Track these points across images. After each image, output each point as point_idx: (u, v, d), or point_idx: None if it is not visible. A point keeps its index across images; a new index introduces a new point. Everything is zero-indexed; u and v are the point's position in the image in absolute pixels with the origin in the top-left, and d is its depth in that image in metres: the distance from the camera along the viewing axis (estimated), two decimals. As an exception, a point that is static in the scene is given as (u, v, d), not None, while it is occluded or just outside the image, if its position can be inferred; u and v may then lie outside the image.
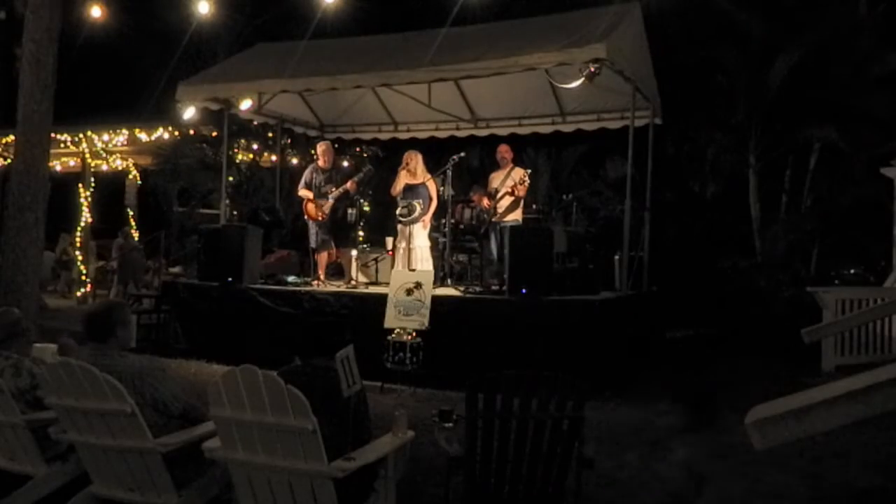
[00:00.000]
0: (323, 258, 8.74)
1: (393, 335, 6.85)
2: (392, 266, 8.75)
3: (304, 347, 3.49)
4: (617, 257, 8.59)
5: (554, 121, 10.65)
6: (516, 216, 8.72)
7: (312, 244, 8.77)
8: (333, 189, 8.54)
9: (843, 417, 2.21)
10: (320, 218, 8.56)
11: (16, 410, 3.67)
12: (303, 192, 8.76)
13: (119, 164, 16.03)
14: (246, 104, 9.59)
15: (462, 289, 8.15)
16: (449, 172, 8.36)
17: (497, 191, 8.73)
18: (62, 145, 14.42)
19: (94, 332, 3.62)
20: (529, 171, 8.78)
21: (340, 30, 12.97)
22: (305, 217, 8.78)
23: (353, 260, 9.18)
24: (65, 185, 15.22)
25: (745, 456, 4.89)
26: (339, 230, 8.70)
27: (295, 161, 14.79)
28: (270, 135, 13.97)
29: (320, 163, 8.81)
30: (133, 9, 15.75)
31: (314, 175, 8.69)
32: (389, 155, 12.32)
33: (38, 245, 8.21)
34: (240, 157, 14.86)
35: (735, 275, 11.52)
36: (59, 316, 11.24)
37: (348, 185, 8.51)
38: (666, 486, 4.44)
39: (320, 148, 8.95)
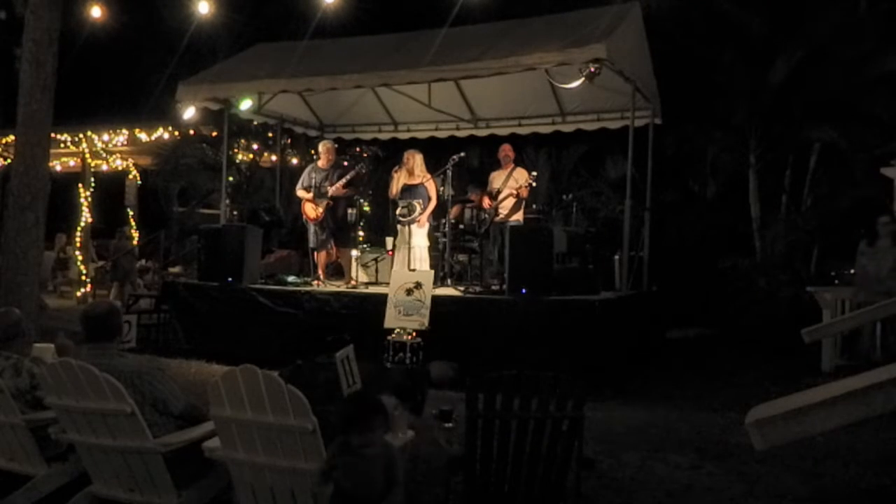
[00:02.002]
0: (322, 258, 8.74)
1: (393, 335, 6.85)
2: (392, 266, 8.75)
3: (303, 347, 3.49)
4: (617, 257, 8.59)
5: (554, 121, 10.66)
6: (518, 217, 8.72)
7: (311, 244, 8.78)
8: (330, 187, 8.52)
9: (843, 417, 2.21)
10: (316, 218, 8.56)
11: (16, 410, 3.67)
12: (300, 193, 8.76)
13: (119, 164, 16.03)
14: (246, 104, 9.59)
15: (462, 289, 8.15)
16: (449, 172, 8.36)
17: (499, 191, 8.73)
18: (62, 145, 14.42)
19: (94, 331, 3.63)
20: (535, 173, 8.79)
21: (340, 30, 12.96)
22: (304, 218, 8.78)
23: (354, 260, 9.18)
24: (65, 185, 15.22)
25: (745, 456, 4.90)
26: (339, 230, 8.70)
27: (295, 161, 14.79)
28: (270, 135, 13.98)
29: (320, 162, 8.80)
30: (133, 9, 15.75)
31: (313, 175, 8.68)
32: (389, 155, 12.32)
33: (38, 245, 8.21)
34: (240, 157, 14.86)
35: (735, 275, 11.50)
36: (59, 316, 11.24)
37: (350, 175, 8.51)
38: (665, 486, 4.44)
39: (323, 147, 8.94)
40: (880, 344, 7.42)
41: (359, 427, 2.73)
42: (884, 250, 7.52)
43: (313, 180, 8.63)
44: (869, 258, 7.62)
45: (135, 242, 14.79)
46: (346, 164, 9.91)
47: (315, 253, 8.76)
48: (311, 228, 8.70)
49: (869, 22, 11.71)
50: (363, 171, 9.23)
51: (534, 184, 8.55)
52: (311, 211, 8.58)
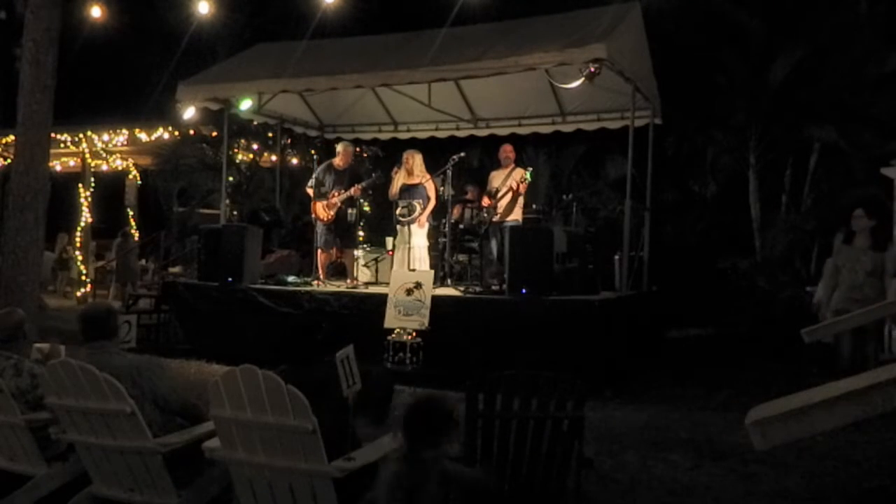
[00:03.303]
0: (324, 258, 8.74)
1: (393, 335, 6.85)
2: (392, 266, 8.75)
3: (292, 348, 3.49)
4: (617, 257, 8.59)
5: (554, 121, 10.65)
6: (516, 216, 8.71)
7: (318, 243, 8.78)
8: (342, 191, 8.52)
9: (843, 417, 2.21)
10: (327, 219, 8.55)
11: (16, 410, 3.67)
12: (311, 192, 8.76)
13: (119, 164, 16.03)
14: (246, 104, 9.59)
15: (462, 289, 8.15)
16: (449, 172, 8.35)
17: (497, 190, 8.73)
18: (62, 145, 14.42)
19: (93, 331, 3.67)
20: (531, 169, 8.78)
21: (340, 30, 12.97)
22: (313, 216, 8.78)
23: (356, 260, 9.18)
24: (65, 185, 15.23)
25: (745, 456, 4.90)
26: (342, 231, 8.70)
27: (295, 161, 14.80)
28: (270, 135, 13.97)
29: (336, 161, 8.77)
30: (133, 9, 15.76)
31: (325, 174, 8.68)
32: (389, 155, 12.32)
33: (38, 245, 8.22)
34: (240, 157, 14.85)
35: (735, 275, 11.52)
36: (59, 316, 11.23)
37: (352, 190, 8.50)
38: (666, 485, 4.44)
39: (342, 147, 8.91)
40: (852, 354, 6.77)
41: (434, 437, 2.56)
42: (860, 251, 6.84)
43: (324, 179, 8.62)
44: (844, 259, 6.92)
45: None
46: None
47: (320, 252, 8.75)
48: (320, 228, 8.69)
49: (869, 22, 11.72)
50: (381, 179, 9.21)
51: (528, 178, 8.52)
52: (323, 212, 8.57)
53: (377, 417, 3.38)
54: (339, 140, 10.19)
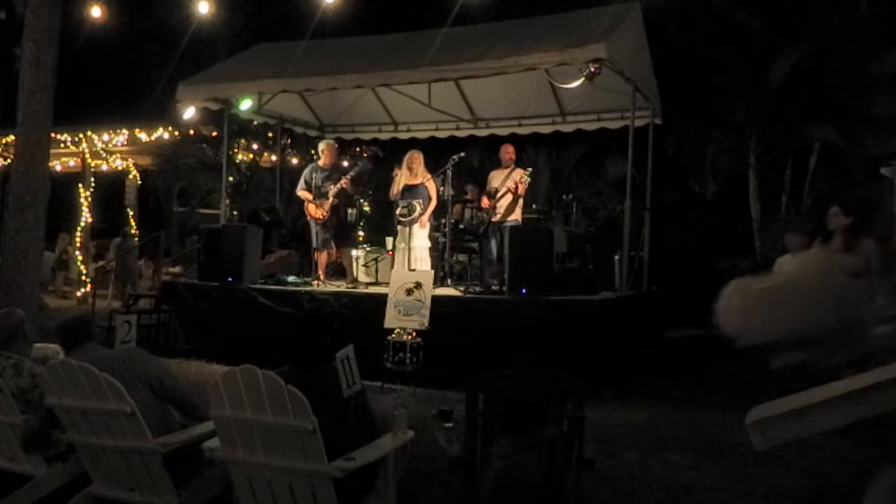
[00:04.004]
0: (323, 258, 8.73)
1: (393, 335, 6.84)
2: (392, 266, 8.75)
3: (293, 348, 3.49)
4: (617, 257, 8.59)
5: (554, 121, 10.65)
6: (516, 216, 8.71)
7: (315, 244, 8.77)
8: (332, 186, 8.51)
9: (843, 417, 2.20)
10: (321, 217, 8.55)
11: (16, 410, 3.68)
12: (301, 194, 8.74)
13: (119, 164, 16.03)
14: (246, 104, 9.59)
15: (462, 289, 8.14)
16: (449, 172, 8.35)
17: (497, 190, 8.73)
18: (62, 145, 14.42)
19: (81, 334, 3.79)
20: (530, 169, 8.78)
21: (340, 30, 12.97)
22: (308, 217, 8.77)
23: (355, 260, 9.18)
24: (65, 185, 15.23)
25: (745, 456, 4.90)
26: (340, 230, 8.69)
27: (295, 161, 14.79)
28: (270, 135, 13.98)
29: (321, 161, 8.79)
30: (133, 9, 15.76)
31: (313, 174, 8.68)
32: (389, 155, 12.33)
33: (38, 245, 8.22)
34: (240, 157, 14.86)
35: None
36: (59, 316, 11.22)
37: (343, 182, 8.48)
38: (665, 485, 4.44)
39: (324, 145, 8.92)
40: None
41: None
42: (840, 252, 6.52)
43: (314, 180, 8.62)
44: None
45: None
46: (346, 163, 9.91)
47: (317, 253, 8.75)
48: (314, 228, 8.69)
49: (869, 22, 11.72)
50: (368, 167, 9.18)
51: (527, 179, 8.52)
52: (315, 211, 8.57)
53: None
54: (339, 140, 10.21)
